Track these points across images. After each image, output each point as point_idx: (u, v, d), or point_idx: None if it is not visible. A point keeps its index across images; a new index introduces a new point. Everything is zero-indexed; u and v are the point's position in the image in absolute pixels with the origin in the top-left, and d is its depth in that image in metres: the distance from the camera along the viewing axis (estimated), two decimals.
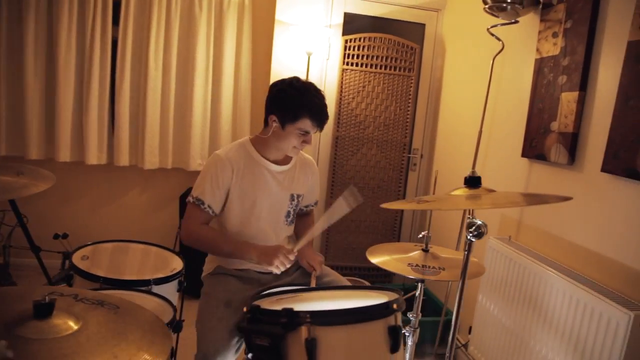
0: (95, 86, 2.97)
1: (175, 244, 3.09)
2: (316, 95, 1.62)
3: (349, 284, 1.77)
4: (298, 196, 1.81)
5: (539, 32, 2.11)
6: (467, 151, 2.67)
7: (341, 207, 1.53)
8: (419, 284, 1.60)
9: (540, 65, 2.09)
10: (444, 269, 1.50)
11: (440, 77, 3.25)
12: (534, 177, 2.17)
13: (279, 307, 1.15)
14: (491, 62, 2.34)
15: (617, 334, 1.49)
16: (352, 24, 3.16)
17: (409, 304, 1.48)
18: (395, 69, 3.15)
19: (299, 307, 1.13)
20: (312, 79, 3.03)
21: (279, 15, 3.06)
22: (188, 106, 3.14)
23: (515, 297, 2.01)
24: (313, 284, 1.67)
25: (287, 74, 3.03)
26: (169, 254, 2.06)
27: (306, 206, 1.92)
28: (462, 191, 1.23)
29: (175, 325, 1.54)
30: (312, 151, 3.11)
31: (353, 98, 3.14)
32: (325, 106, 1.64)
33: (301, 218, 1.93)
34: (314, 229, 1.64)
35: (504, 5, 2.11)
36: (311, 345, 1.04)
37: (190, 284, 1.94)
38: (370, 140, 3.20)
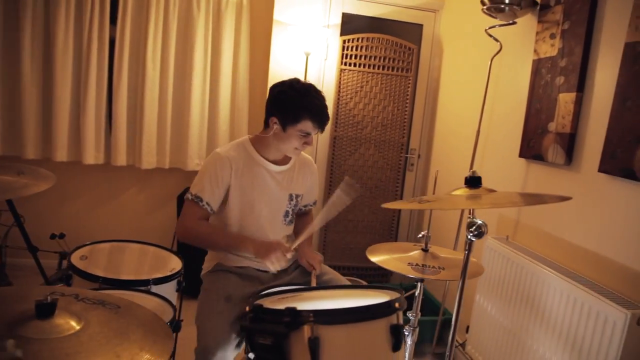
0: (93, 86, 2.96)
1: (173, 243, 3.08)
2: (317, 97, 1.62)
3: (348, 282, 1.78)
4: (297, 196, 1.82)
5: (537, 33, 2.12)
6: (465, 151, 2.68)
7: (340, 200, 1.53)
8: (419, 284, 1.61)
9: (538, 66, 2.10)
10: (443, 269, 1.51)
11: (437, 77, 3.27)
12: (531, 178, 2.18)
13: (281, 307, 1.15)
14: (489, 63, 2.35)
15: (614, 333, 1.51)
16: (350, 24, 3.17)
17: (408, 303, 1.49)
18: (393, 70, 3.16)
19: (301, 306, 1.14)
20: (310, 79, 3.03)
21: (277, 15, 3.06)
22: (186, 106, 3.14)
23: (513, 296, 2.02)
24: (313, 283, 1.68)
25: (285, 74, 3.08)
26: (167, 253, 2.06)
27: (305, 206, 1.93)
28: (462, 191, 1.24)
29: (175, 325, 1.54)
30: (310, 151, 3.11)
31: (351, 98, 3.15)
32: (325, 107, 1.64)
33: (300, 218, 1.93)
34: (313, 225, 1.65)
35: (502, 6, 2.13)
36: (314, 344, 1.05)
37: (188, 284, 1.94)
38: (368, 140, 3.21)
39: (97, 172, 3.20)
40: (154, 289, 1.73)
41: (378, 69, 3.14)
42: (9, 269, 2.94)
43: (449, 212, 2.83)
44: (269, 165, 1.72)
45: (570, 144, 1.90)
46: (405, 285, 3.03)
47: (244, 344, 1.53)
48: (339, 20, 3.12)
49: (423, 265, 1.53)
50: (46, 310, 0.98)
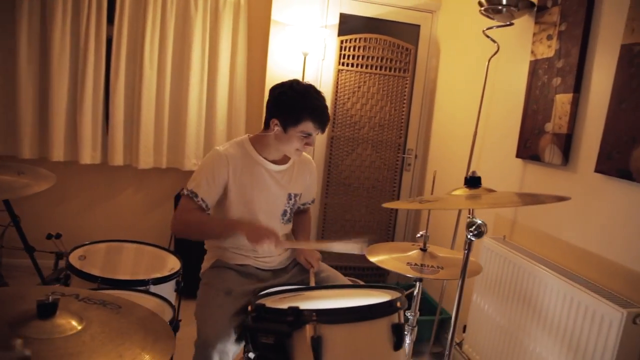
0: (90, 85, 2.95)
1: (170, 243, 3.08)
2: (317, 98, 1.63)
3: (345, 279, 1.79)
4: (295, 195, 1.83)
5: (534, 34, 2.14)
6: (462, 151, 2.70)
7: (349, 248, 1.54)
8: (417, 283, 1.62)
9: (535, 67, 2.12)
10: (442, 268, 1.52)
11: (434, 78, 3.28)
12: (528, 178, 2.20)
13: (283, 306, 1.16)
14: (486, 63, 2.37)
15: (610, 332, 1.52)
16: (348, 24, 3.17)
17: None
18: (390, 70, 3.17)
19: (302, 305, 1.14)
20: (308, 79, 3.04)
21: (274, 15, 3.06)
22: (183, 106, 3.13)
23: (510, 295, 2.03)
24: (312, 281, 1.69)
25: (282, 74, 3.09)
26: (165, 253, 2.06)
27: (303, 204, 1.94)
28: (462, 191, 1.25)
29: (174, 326, 1.54)
30: (307, 151, 3.11)
31: (348, 98, 3.15)
32: (326, 108, 1.65)
33: (298, 215, 1.94)
34: (311, 243, 1.66)
35: (500, 7, 2.14)
36: (317, 343, 1.05)
37: (186, 284, 1.94)
38: (365, 140, 3.22)
39: (93, 171, 3.18)
40: (153, 289, 1.73)
41: (375, 69, 3.15)
42: (4, 269, 2.93)
43: (446, 211, 2.84)
44: (268, 164, 1.73)
45: (566, 144, 1.91)
46: (402, 284, 3.04)
47: (243, 342, 1.54)
48: (336, 21, 3.13)
49: (422, 265, 1.54)
50: (48, 310, 0.98)
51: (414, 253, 1.63)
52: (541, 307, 1.84)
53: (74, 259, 1.83)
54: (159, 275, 1.80)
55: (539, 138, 2.06)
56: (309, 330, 1.07)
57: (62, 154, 3.01)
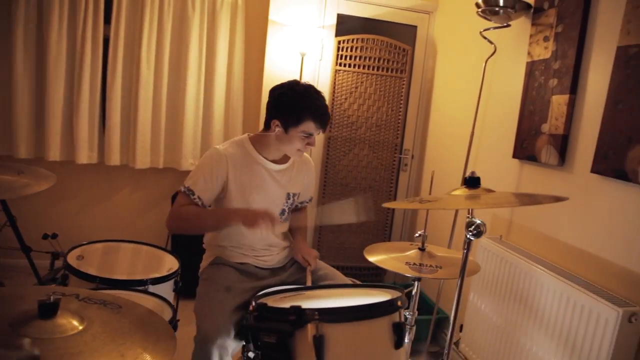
0: (86, 85, 2.94)
1: (167, 243, 3.07)
2: (317, 97, 1.64)
3: (343, 276, 1.80)
4: (294, 195, 1.84)
5: (531, 35, 2.15)
6: (459, 152, 2.71)
7: (348, 207, 1.55)
8: (416, 282, 1.63)
9: (532, 68, 2.14)
10: (440, 267, 1.53)
11: (431, 78, 3.30)
12: (524, 178, 2.21)
13: (285, 305, 1.16)
14: (483, 64, 2.38)
15: (606, 330, 1.54)
16: (345, 25, 3.18)
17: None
18: (387, 70, 3.18)
19: (304, 304, 1.15)
20: (305, 79, 3.02)
21: (272, 15, 3.06)
22: (180, 106, 3.13)
23: (506, 295, 2.05)
24: (308, 279, 1.69)
25: (280, 74, 3.09)
26: (162, 252, 2.07)
27: (301, 202, 1.95)
28: (461, 191, 1.26)
29: (174, 325, 1.54)
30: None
31: (346, 99, 3.16)
32: (326, 107, 1.66)
33: (295, 213, 1.95)
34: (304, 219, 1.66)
35: (497, 9, 2.15)
36: (319, 342, 1.06)
37: (183, 283, 1.94)
38: (362, 140, 3.23)
39: (90, 171, 3.17)
40: (152, 288, 1.73)
41: (372, 69, 3.16)
42: None
43: (443, 211, 2.86)
44: (267, 164, 1.73)
45: (563, 145, 1.93)
46: (398, 284, 3.05)
47: (242, 340, 1.54)
48: (334, 21, 3.13)
49: (420, 265, 1.55)
50: (49, 310, 0.98)
51: (413, 253, 1.64)
52: (537, 306, 1.85)
53: (72, 259, 1.82)
54: (157, 275, 1.80)
55: (536, 139, 2.08)
56: (311, 329, 1.08)
57: (58, 154, 3.00)
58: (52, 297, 0.99)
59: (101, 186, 3.26)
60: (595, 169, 1.74)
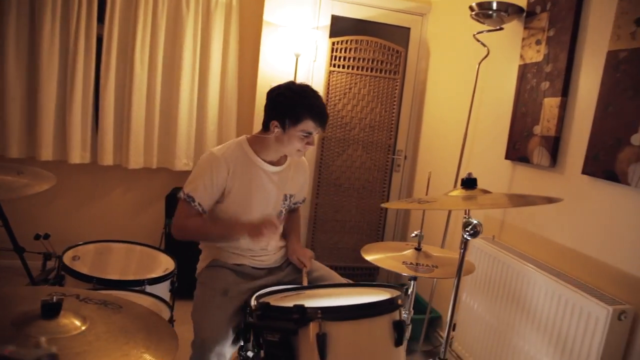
0: (79, 84, 2.92)
1: (161, 243, 3.07)
2: (315, 96, 1.65)
3: (339, 277, 1.81)
4: (291, 196, 1.85)
5: (523, 39, 2.19)
6: (451, 153, 2.74)
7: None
8: (412, 282, 1.66)
9: (524, 71, 2.17)
10: (436, 267, 1.56)
11: (424, 80, 3.33)
12: (517, 179, 2.25)
13: (287, 304, 1.18)
14: (476, 67, 2.42)
15: (596, 328, 1.57)
16: (339, 26, 3.20)
17: None
18: (381, 72, 3.21)
19: (305, 303, 1.17)
20: (300, 80, 3.05)
21: (266, 16, 3.07)
22: (174, 106, 3.12)
23: (499, 294, 2.08)
24: (304, 280, 1.71)
25: (274, 75, 3.10)
26: (156, 252, 2.07)
27: (295, 203, 1.96)
28: (458, 192, 1.28)
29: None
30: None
31: (340, 100, 3.18)
32: (324, 106, 1.68)
33: (288, 214, 1.96)
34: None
35: (490, 12, 2.19)
36: (322, 340, 1.08)
37: (178, 283, 1.95)
38: (356, 141, 3.25)
39: (83, 171, 3.15)
40: (148, 289, 1.73)
41: (366, 70, 3.18)
42: None
43: (436, 212, 2.89)
44: (265, 165, 1.74)
45: (554, 146, 1.97)
46: (391, 284, 3.07)
47: (240, 342, 1.55)
48: (328, 22, 3.15)
49: (417, 264, 1.58)
50: (52, 310, 0.98)
51: (409, 252, 1.66)
52: (529, 305, 1.89)
53: (67, 259, 1.82)
54: (153, 275, 1.81)
55: (528, 140, 2.11)
56: (314, 327, 1.10)
57: (50, 154, 2.97)
58: (54, 297, 1.00)
59: (94, 186, 3.24)
60: (586, 170, 1.78)
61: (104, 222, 3.26)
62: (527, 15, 2.18)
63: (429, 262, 1.59)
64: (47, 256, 2.78)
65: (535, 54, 2.10)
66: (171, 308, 1.63)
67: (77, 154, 3.00)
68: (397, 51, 3.22)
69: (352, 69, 3.16)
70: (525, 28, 2.19)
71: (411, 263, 1.57)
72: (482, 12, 2.22)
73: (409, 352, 2.65)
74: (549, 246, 1.99)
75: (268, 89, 1.73)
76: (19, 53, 2.84)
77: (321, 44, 3.13)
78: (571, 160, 1.90)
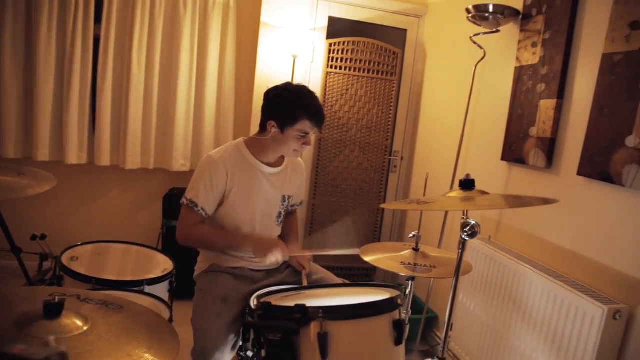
0: (76, 84, 2.92)
1: (158, 244, 3.06)
2: (311, 97, 1.67)
3: (338, 279, 1.83)
4: (289, 197, 1.86)
5: (519, 41, 2.21)
6: (448, 154, 2.76)
7: (346, 250, 1.61)
8: (410, 282, 1.67)
9: (520, 73, 2.20)
10: (434, 267, 1.57)
11: (420, 81, 3.35)
12: (513, 180, 2.27)
13: (289, 304, 1.19)
14: (473, 68, 2.43)
15: (592, 327, 1.59)
16: (336, 27, 3.21)
17: None
18: (377, 73, 3.22)
19: (306, 303, 1.18)
20: (297, 81, 3.04)
21: (264, 17, 3.08)
22: (171, 106, 3.12)
23: (495, 294, 2.10)
24: (304, 282, 1.72)
25: (271, 76, 3.11)
26: (153, 252, 2.07)
27: (292, 206, 1.97)
28: (457, 193, 1.30)
29: None
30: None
31: (337, 101, 3.19)
32: (321, 106, 1.69)
33: (286, 217, 1.97)
34: (313, 250, 1.80)
35: (486, 15, 2.21)
36: (323, 339, 1.09)
37: (176, 284, 1.95)
38: (352, 142, 3.26)
39: (80, 172, 3.14)
40: (147, 289, 1.74)
41: (363, 72, 3.20)
42: None
43: (433, 212, 2.90)
44: (263, 167, 1.75)
45: (550, 148, 1.99)
46: (390, 284, 3.09)
47: (239, 345, 1.56)
48: (325, 24, 3.16)
49: (415, 264, 1.59)
50: (54, 310, 0.99)
51: (407, 253, 1.68)
52: (525, 304, 1.91)
53: (66, 260, 1.82)
54: (151, 275, 1.81)
55: (524, 142, 2.14)
56: (315, 326, 1.11)
57: (47, 154, 2.97)
58: (56, 297, 1.00)
59: (91, 187, 3.23)
60: (581, 172, 1.80)
61: (101, 222, 3.26)
62: (523, 18, 2.20)
63: (427, 263, 1.61)
64: (43, 257, 2.77)
65: (531, 57, 2.12)
66: (170, 308, 1.63)
67: (74, 155, 3.00)
68: (394, 53, 3.24)
69: (349, 70, 3.17)
70: (521, 30, 2.21)
71: (409, 263, 1.58)
72: (479, 15, 2.24)
73: (407, 351, 2.66)
74: (545, 247, 2.01)
75: (265, 89, 1.74)
76: (15, 53, 2.84)
77: (318, 45, 3.14)
78: (567, 161, 1.92)
